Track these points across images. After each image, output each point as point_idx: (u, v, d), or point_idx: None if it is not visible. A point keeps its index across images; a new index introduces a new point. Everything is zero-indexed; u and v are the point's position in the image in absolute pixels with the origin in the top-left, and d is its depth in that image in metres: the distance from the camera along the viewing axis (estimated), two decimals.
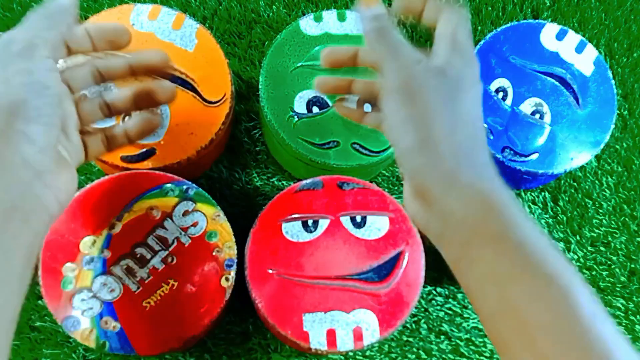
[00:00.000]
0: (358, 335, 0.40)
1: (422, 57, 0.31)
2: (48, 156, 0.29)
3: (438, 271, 0.51)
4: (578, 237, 0.54)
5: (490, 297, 0.27)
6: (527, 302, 0.26)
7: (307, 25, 0.48)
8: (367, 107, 0.39)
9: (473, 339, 0.51)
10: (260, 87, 0.46)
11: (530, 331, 0.26)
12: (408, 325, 0.50)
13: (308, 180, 0.43)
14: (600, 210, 0.55)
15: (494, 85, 0.50)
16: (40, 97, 0.29)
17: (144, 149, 0.44)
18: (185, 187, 0.42)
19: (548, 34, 0.51)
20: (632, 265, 0.54)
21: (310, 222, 0.42)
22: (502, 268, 0.27)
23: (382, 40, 0.31)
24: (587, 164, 0.56)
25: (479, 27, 0.59)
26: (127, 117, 0.44)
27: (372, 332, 0.40)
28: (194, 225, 0.42)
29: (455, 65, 0.31)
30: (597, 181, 0.56)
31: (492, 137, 0.49)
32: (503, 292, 0.27)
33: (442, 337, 0.50)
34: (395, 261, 0.42)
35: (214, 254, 0.41)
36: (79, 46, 0.33)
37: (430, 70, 0.30)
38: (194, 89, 0.46)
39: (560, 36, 0.51)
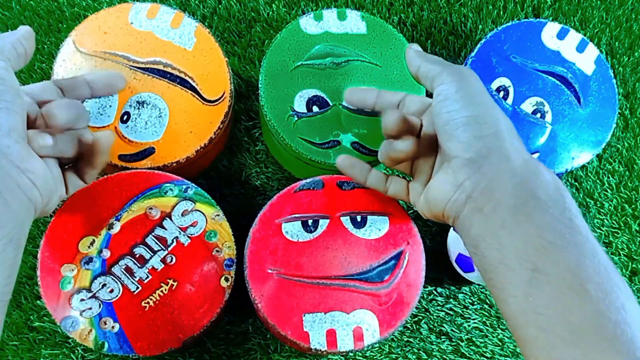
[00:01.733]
0: (358, 336, 0.39)
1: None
2: (15, 140, 0.31)
3: (438, 271, 0.51)
4: None
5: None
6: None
7: (307, 24, 0.48)
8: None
9: (474, 339, 0.50)
10: (259, 86, 0.46)
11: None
12: (408, 326, 0.50)
13: (308, 180, 0.43)
14: (602, 210, 0.55)
15: (494, 85, 0.49)
16: None
17: (143, 148, 0.44)
18: (184, 186, 0.42)
19: (549, 32, 0.51)
20: (634, 265, 0.54)
21: (310, 221, 0.42)
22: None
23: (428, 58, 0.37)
24: (588, 163, 0.55)
25: (480, 26, 0.58)
26: (125, 117, 0.44)
27: (372, 333, 0.40)
28: (193, 225, 0.41)
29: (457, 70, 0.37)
30: (598, 181, 0.56)
31: None
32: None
33: (443, 337, 0.50)
34: (395, 261, 0.41)
35: (213, 253, 0.41)
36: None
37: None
38: (193, 88, 0.45)
39: (561, 35, 0.51)
